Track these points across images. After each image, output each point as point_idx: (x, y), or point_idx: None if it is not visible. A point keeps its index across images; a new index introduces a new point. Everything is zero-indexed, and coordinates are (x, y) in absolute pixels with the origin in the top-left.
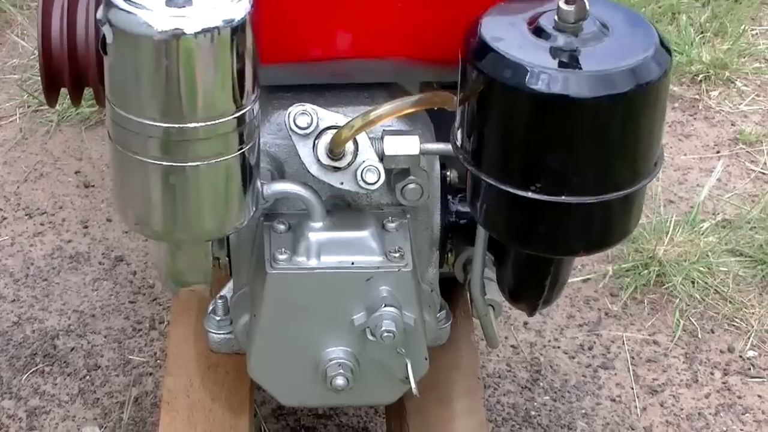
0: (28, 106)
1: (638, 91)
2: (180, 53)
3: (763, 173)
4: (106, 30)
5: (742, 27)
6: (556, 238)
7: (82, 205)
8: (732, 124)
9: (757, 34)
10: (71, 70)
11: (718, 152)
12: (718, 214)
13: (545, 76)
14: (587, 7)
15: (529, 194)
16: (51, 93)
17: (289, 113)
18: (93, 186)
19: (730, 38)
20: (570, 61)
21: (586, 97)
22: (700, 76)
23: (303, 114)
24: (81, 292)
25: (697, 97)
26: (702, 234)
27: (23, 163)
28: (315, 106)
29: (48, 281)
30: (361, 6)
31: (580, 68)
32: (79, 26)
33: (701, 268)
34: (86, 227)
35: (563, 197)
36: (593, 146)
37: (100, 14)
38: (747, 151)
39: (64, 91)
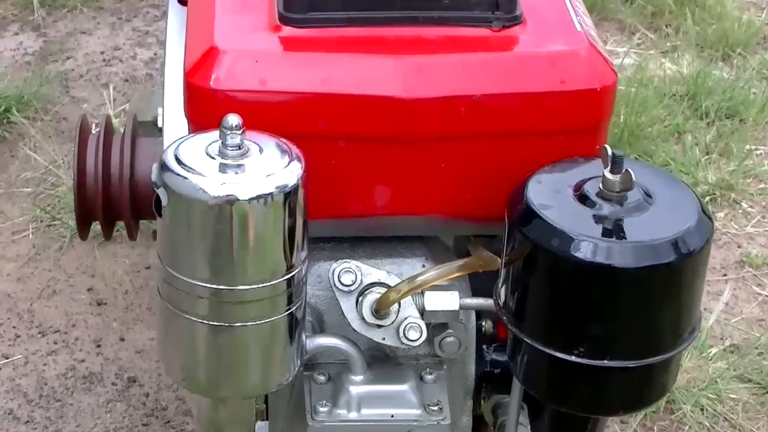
0: (41, 221)
1: (681, 261)
2: (233, 218)
3: None
4: (161, 193)
5: (747, 147)
6: (596, 399)
7: (95, 324)
8: (738, 246)
9: (761, 154)
10: (105, 206)
11: (724, 275)
12: (726, 339)
13: (590, 245)
14: (633, 178)
15: (572, 358)
16: (83, 226)
17: (333, 270)
18: (105, 304)
19: (735, 159)
20: (615, 230)
21: (630, 267)
22: (707, 198)
23: (347, 272)
24: (95, 413)
25: None
26: (710, 359)
27: (36, 280)
28: (359, 263)
29: (62, 402)
30: (402, 167)
31: (625, 238)
32: (114, 163)
33: (710, 395)
34: (99, 346)
35: (606, 361)
36: (637, 314)
37: (154, 176)
38: (753, 275)
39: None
